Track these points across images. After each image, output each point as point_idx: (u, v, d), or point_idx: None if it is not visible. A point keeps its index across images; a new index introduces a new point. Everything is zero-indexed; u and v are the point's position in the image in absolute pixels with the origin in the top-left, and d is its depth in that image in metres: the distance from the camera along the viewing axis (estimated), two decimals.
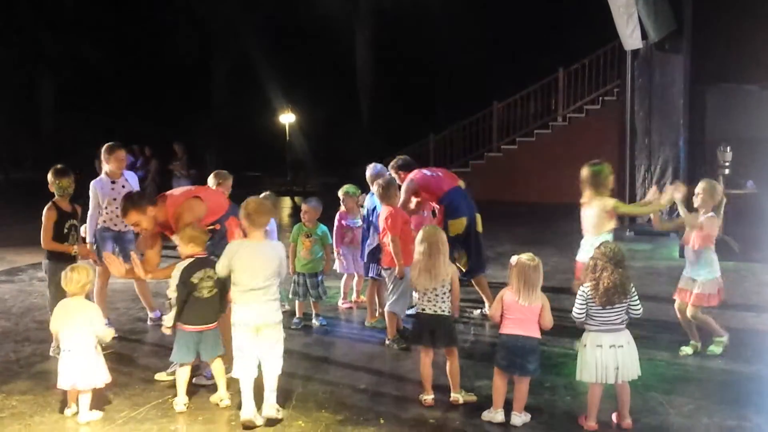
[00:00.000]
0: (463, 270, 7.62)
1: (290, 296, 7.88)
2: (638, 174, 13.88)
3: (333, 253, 8.31)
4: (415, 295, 6.55)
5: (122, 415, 5.43)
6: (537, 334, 5.16)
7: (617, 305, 5.04)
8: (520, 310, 5.11)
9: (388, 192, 7.04)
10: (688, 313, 6.58)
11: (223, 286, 5.50)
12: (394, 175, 7.88)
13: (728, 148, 10.93)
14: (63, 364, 5.32)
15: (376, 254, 7.45)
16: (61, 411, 5.44)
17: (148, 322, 7.90)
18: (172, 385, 5.98)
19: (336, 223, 8.39)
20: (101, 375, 5.38)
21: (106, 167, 7.61)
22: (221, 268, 5.30)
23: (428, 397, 5.57)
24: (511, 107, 20.98)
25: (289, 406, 5.54)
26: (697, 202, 6.62)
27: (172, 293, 5.40)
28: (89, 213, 7.49)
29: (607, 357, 5.01)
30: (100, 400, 5.49)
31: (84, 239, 8.61)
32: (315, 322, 7.80)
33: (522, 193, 19.66)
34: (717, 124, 11.85)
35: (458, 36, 24.39)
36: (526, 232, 14.54)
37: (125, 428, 5.22)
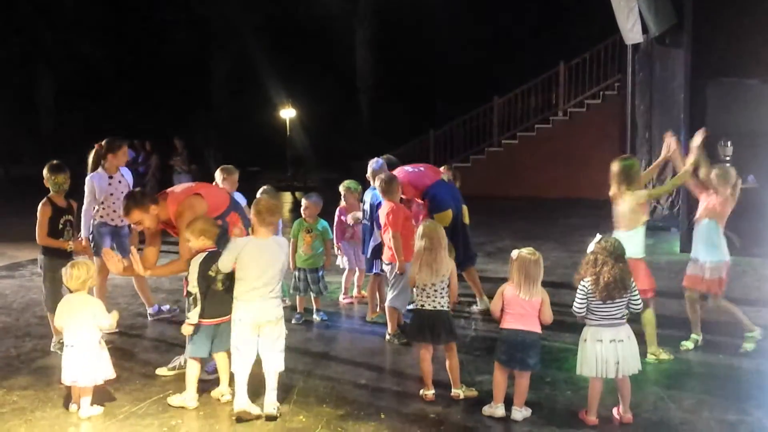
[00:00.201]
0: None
1: (291, 291, 7.89)
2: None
3: (334, 248, 8.32)
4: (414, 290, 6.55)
5: (123, 410, 5.43)
6: (537, 329, 5.16)
7: (617, 300, 5.04)
8: (520, 305, 5.11)
9: (390, 187, 7.03)
10: (711, 303, 6.61)
11: (232, 278, 5.51)
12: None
13: (729, 143, 10.91)
14: (66, 359, 5.33)
15: (379, 250, 7.44)
16: (66, 407, 5.45)
17: (148, 318, 7.91)
18: (173, 380, 6.01)
19: (336, 218, 8.39)
20: (104, 371, 5.39)
21: (105, 162, 7.58)
22: (226, 263, 5.28)
23: (429, 393, 5.58)
24: (512, 102, 20.94)
25: (290, 401, 5.55)
26: (714, 184, 6.67)
27: (193, 288, 5.36)
28: (84, 208, 7.44)
29: (608, 351, 5.01)
30: (101, 395, 5.49)
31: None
32: (316, 317, 7.81)
33: (522, 187, 19.65)
34: (718, 119, 11.80)
35: (458, 31, 24.38)
36: (527, 226, 14.53)
37: (126, 423, 5.22)
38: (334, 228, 8.31)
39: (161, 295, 8.72)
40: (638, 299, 5.17)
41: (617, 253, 5.09)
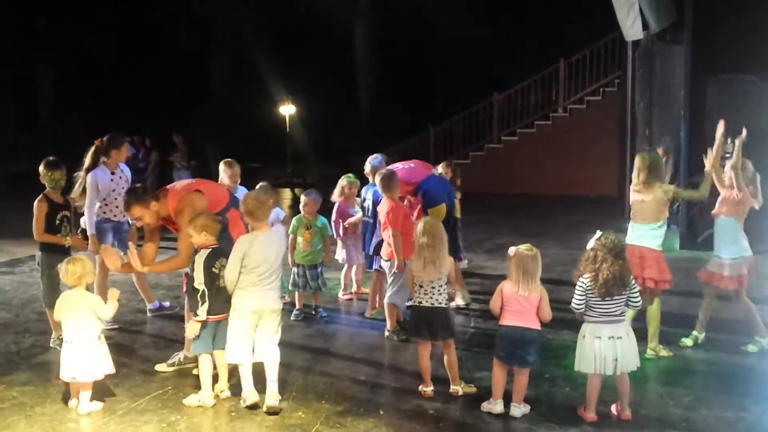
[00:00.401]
0: None
1: (290, 288, 7.88)
2: None
3: (339, 242, 8.32)
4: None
5: (122, 406, 5.44)
6: (536, 326, 5.16)
7: (616, 297, 5.05)
8: (519, 302, 5.12)
9: (390, 183, 7.02)
10: (734, 301, 6.64)
11: None
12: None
13: (729, 139, 10.89)
14: (65, 355, 5.34)
15: (380, 247, 7.45)
16: (65, 403, 5.46)
17: (148, 314, 7.92)
18: (173, 376, 6.03)
19: (335, 213, 8.36)
20: (103, 366, 5.40)
21: (108, 158, 7.55)
22: (234, 263, 5.31)
23: (428, 389, 5.59)
24: (512, 98, 20.93)
25: (289, 397, 5.56)
26: (727, 180, 6.71)
27: (200, 285, 5.37)
28: (88, 204, 7.39)
29: (606, 348, 5.02)
30: (100, 391, 5.50)
31: (81, 231, 8.59)
32: (315, 313, 7.81)
33: (522, 184, 19.66)
34: (718, 115, 11.79)
35: (459, 27, 24.33)
36: (526, 223, 14.53)
37: (125, 419, 5.23)
38: (333, 222, 8.30)
39: (161, 292, 8.72)
40: (637, 297, 5.17)
41: (617, 250, 5.10)
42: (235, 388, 5.62)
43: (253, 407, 5.33)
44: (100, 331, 5.48)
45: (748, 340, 6.61)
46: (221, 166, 8.03)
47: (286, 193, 21.78)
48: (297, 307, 7.83)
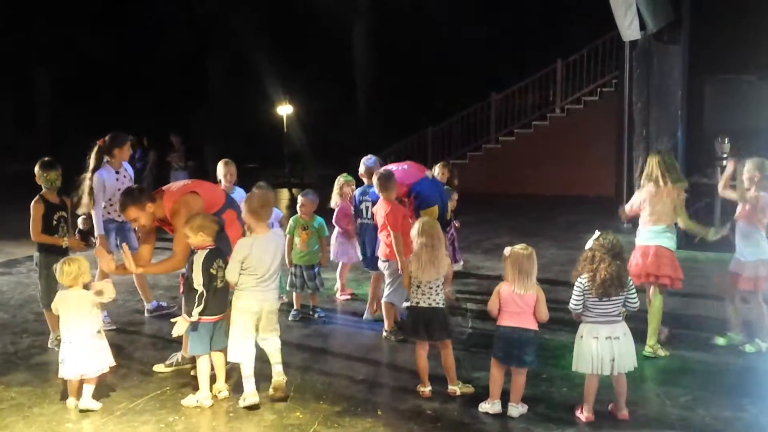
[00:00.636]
0: None
1: (288, 288, 7.88)
2: (636, 165, 13.84)
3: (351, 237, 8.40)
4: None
5: (120, 406, 5.44)
6: (533, 326, 5.17)
7: (614, 297, 5.05)
8: (516, 303, 5.12)
9: (388, 183, 7.01)
10: (752, 302, 6.65)
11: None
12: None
13: (726, 140, 10.93)
14: (66, 354, 5.35)
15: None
16: (63, 399, 5.47)
17: (146, 314, 7.92)
18: (171, 377, 6.03)
19: (339, 211, 8.35)
20: (105, 360, 5.44)
21: (111, 157, 7.52)
22: (234, 267, 5.36)
23: (425, 389, 5.60)
24: (509, 99, 20.94)
25: (286, 397, 5.56)
26: (745, 180, 6.67)
27: (199, 287, 5.38)
28: (96, 205, 7.34)
29: (604, 348, 5.03)
30: (98, 391, 5.49)
31: (78, 231, 8.57)
32: (313, 313, 7.81)
33: (520, 184, 19.66)
34: (715, 116, 11.81)
35: (457, 27, 24.33)
36: (524, 223, 14.54)
37: (123, 419, 5.23)
38: (335, 217, 8.34)
39: (158, 292, 8.72)
40: (635, 298, 5.18)
41: (615, 251, 5.10)
42: (233, 389, 5.63)
43: (253, 408, 5.33)
44: (100, 326, 5.50)
45: (746, 340, 6.62)
46: (219, 166, 8.08)
47: (284, 194, 21.77)
48: (295, 307, 7.83)
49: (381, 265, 7.17)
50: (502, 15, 24.33)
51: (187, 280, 5.50)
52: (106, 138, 7.54)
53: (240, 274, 5.37)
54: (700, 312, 7.82)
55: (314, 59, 26.57)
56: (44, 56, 27.66)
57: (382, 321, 7.16)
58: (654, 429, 5.04)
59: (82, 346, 5.33)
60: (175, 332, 5.56)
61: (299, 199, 7.87)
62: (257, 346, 5.53)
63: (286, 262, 7.55)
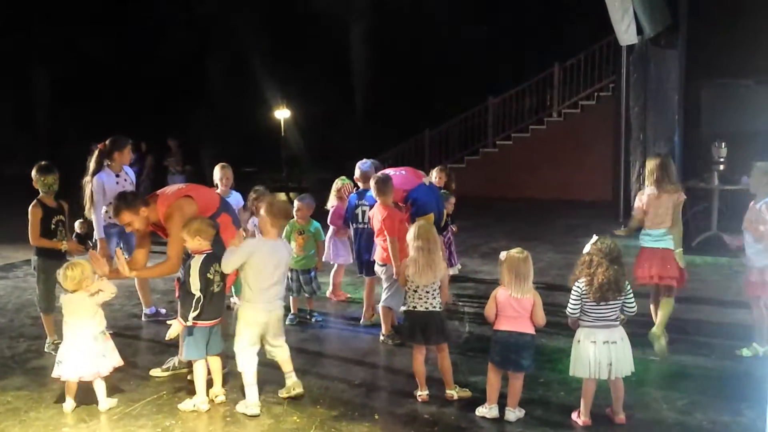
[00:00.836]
0: None
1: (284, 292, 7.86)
2: (633, 170, 13.89)
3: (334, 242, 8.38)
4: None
5: (117, 411, 5.43)
6: (531, 330, 5.17)
7: (611, 301, 5.05)
8: (513, 308, 5.12)
9: (385, 187, 7.00)
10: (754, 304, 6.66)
11: (224, 280, 5.59)
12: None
13: (723, 144, 10.94)
14: (65, 356, 5.35)
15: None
16: (60, 402, 5.47)
17: (143, 318, 7.90)
18: (167, 381, 6.02)
19: (334, 213, 8.35)
20: (108, 362, 5.45)
21: (111, 161, 7.50)
22: (234, 264, 5.37)
23: (423, 393, 5.59)
24: (507, 102, 20.95)
25: (283, 401, 5.55)
26: (751, 186, 6.71)
27: (197, 291, 5.37)
28: (96, 208, 7.32)
29: (601, 353, 5.02)
30: (93, 395, 5.48)
31: (76, 235, 8.55)
32: (309, 318, 7.81)
33: (517, 188, 19.65)
34: (712, 120, 11.84)
35: (454, 31, 24.33)
36: (521, 227, 14.53)
37: (120, 424, 5.22)
38: (330, 218, 8.34)
39: (155, 296, 8.68)
40: (632, 303, 5.17)
41: (612, 255, 5.10)
42: (230, 393, 5.63)
43: (252, 416, 5.32)
44: (103, 328, 5.51)
45: (743, 344, 6.62)
46: (215, 170, 8.14)
47: (281, 198, 21.77)
48: (291, 311, 7.81)
49: (378, 269, 7.17)
50: (500, 18, 24.35)
51: (183, 284, 5.50)
52: (107, 142, 7.53)
53: (245, 281, 5.40)
54: (698, 316, 7.81)
55: (313, 60, 26.53)
56: (44, 56, 27.62)
57: (379, 325, 7.15)
58: None
59: (82, 348, 5.33)
60: (169, 335, 5.56)
61: (295, 203, 7.85)
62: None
63: None
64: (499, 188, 19.71)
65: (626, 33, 12.53)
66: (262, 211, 5.59)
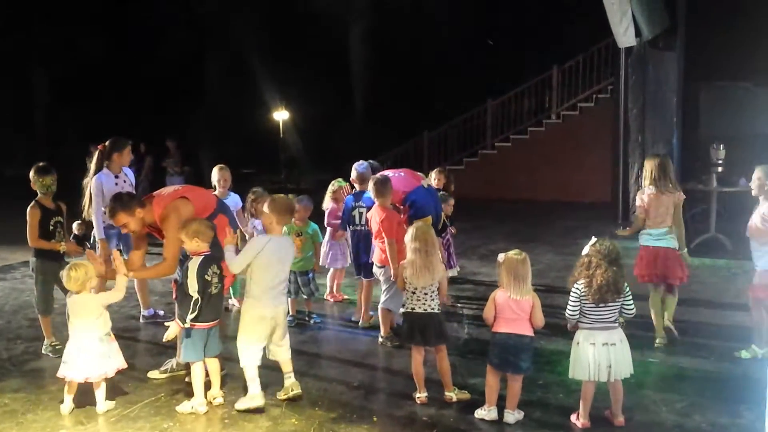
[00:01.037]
0: None
1: None
2: (631, 172, 13.90)
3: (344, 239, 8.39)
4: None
5: (115, 413, 5.42)
6: (529, 332, 5.16)
7: (611, 303, 5.04)
8: (512, 310, 5.11)
9: (383, 189, 6.99)
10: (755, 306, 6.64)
11: (223, 281, 5.60)
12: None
13: (721, 146, 10.94)
14: (70, 356, 5.35)
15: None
16: (60, 402, 5.46)
17: (141, 320, 7.89)
18: (165, 383, 6.01)
19: (331, 216, 8.33)
20: (112, 363, 5.45)
21: (110, 162, 7.47)
22: (243, 263, 5.39)
23: (422, 395, 5.58)
24: (505, 104, 20.96)
25: (282, 403, 5.54)
26: (754, 188, 6.64)
27: (194, 293, 5.36)
28: (94, 208, 7.30)
29: (600, 355, 5.02)
30: (92, 396, 5.47)
31: (74, 237, 8.53)
32: (308, 319, 7.80)
33: (515, 190, 19.65)
34: (710, 122, 11.85)
35: (452, 33, 24.33)
36: (520, 229, 14.53)
37: (117, 426, 5.21)
38: (326, 220, 8.33)
39: (154, 298, 8.67)
40: (631, 305, 5.17)
41: (611, 257, 5.10)
42: (228, 395, 5.62)
43: (257, 411, 5.35)
44: (108, 329, 5.50)
45: (742, 346, 6.61)
46: (213, 171, 8.16)
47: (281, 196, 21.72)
48: (290, 313, 7.80)
49: (376, 270, 7.16)
50: (499, 20, 24.35)
51: (181, 286, 5.49)
52: (106, 143, 7.52)
53: (250, 279, 5.41)
54: (697, 318, 7.81)
55: (313, 60, 26.52)
56: (44, 56, 27.60)
57: (378, 327, 7.15)
58: None
59: (88, 349, 5.33)
60: (167, 337, 5.56)
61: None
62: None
63: None
64: (498, 190, 19.71)
65: (625, 35, 12.54)
66: (265, 209, 5.59)
